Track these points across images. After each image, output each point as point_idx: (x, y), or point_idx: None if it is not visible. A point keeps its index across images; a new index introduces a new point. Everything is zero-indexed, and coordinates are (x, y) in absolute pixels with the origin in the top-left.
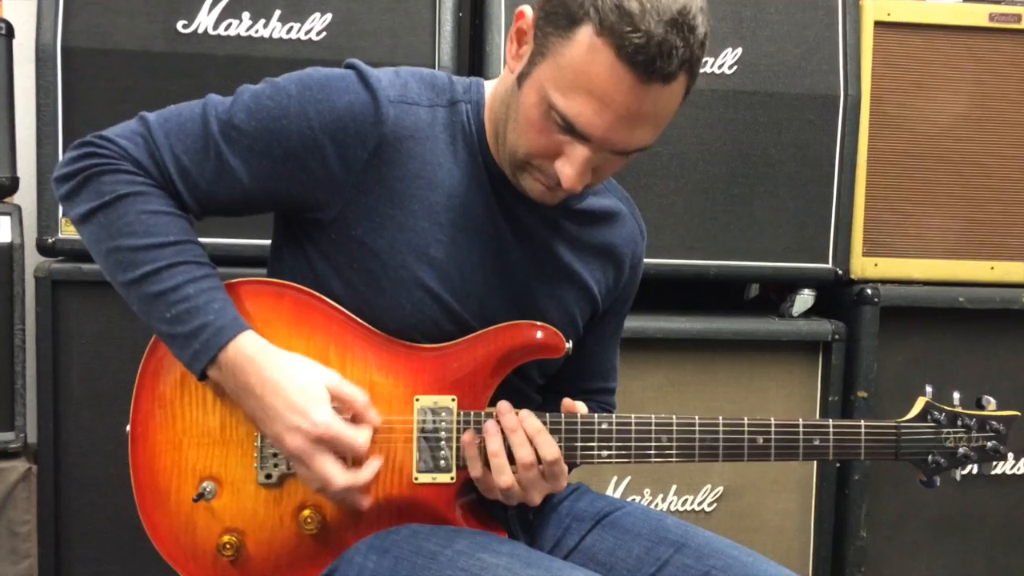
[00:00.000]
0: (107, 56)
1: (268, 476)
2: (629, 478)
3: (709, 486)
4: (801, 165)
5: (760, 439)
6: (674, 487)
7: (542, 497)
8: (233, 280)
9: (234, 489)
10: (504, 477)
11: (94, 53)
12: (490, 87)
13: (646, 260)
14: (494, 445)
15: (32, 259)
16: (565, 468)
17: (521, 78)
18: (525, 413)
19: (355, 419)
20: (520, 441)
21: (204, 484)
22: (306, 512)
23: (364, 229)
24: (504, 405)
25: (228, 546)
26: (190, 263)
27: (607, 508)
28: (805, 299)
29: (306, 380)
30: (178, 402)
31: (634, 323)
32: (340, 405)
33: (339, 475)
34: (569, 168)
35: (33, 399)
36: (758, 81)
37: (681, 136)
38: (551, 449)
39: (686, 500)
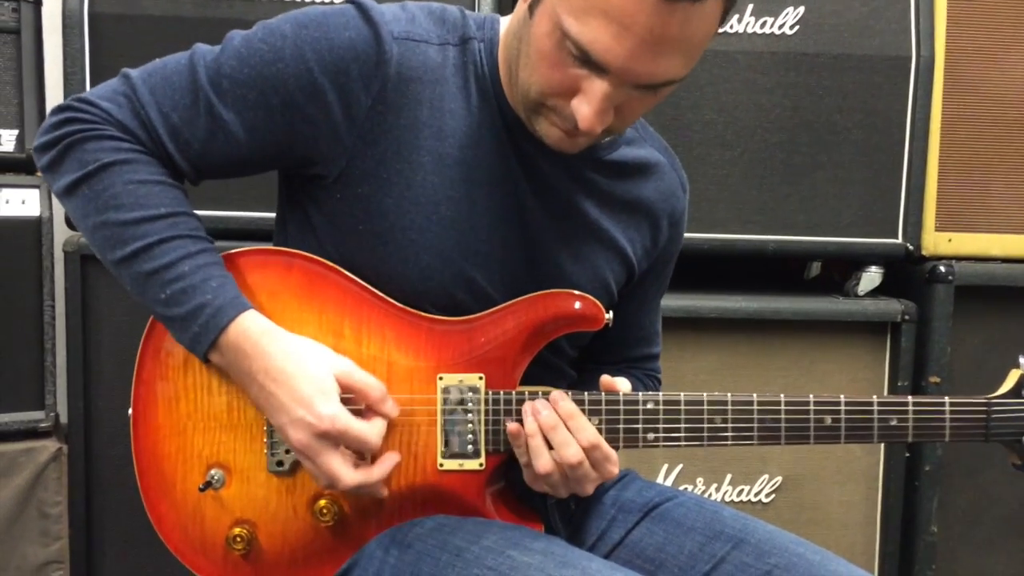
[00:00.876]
0: (135, 22)
1: (279, 463)
2: (680, 466)
3: (767, 476)
4: (868, 132)
5: (828, 419)
6: (729, 476)
7: (595, 487)
8: (236, 250)
9: (243, 477)
10: (542, 461)
11: (122, 19)
12: (506, 23)
13: (699, 235)
14: (531, 427)
15: (61, 234)
16: (611, 454)
17: (533, 6)
18: (557, 395)
19: (369, 411)
20: (562, 440)
21: (211, 472)
22: (322, 502)
23: (370, 187)
24: (540, 403)
25: (239, 539)
26: (184, 237)
27: (657, 498)
28: (872, 277)
29: (313, 368)
30: (181, 383)
31: (686, 302)
32: (352, 396)
33: (347, 473)
34: (586, 106)
35: (63, 377)
36: (822, 42)
37: (737, 102)
38: (587, 433)
39: (742, 490)
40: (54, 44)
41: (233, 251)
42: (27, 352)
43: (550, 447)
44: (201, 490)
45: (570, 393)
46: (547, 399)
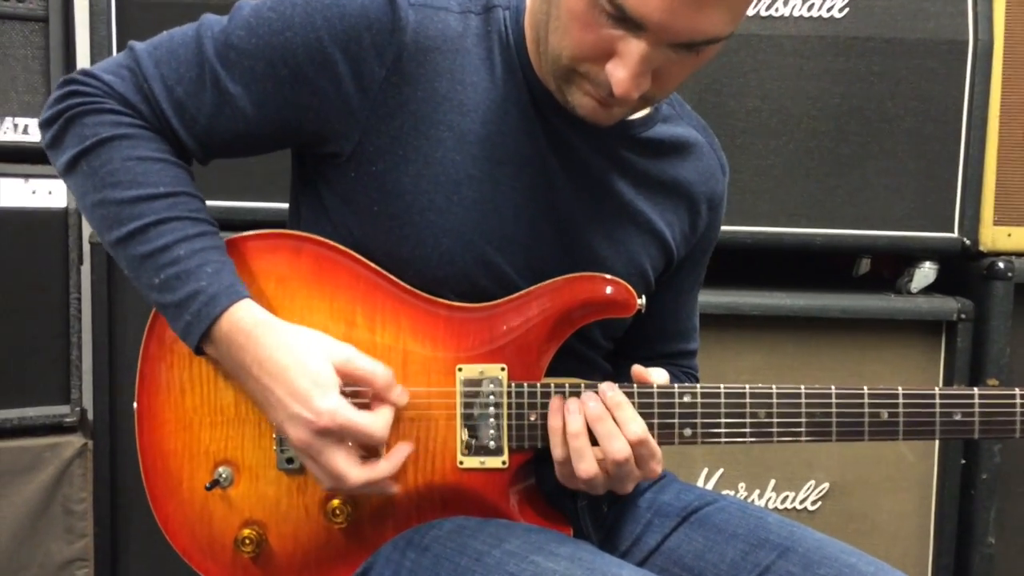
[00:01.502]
0: (163, 9)
1: (290, 461)
2: (721, 471)
3: (813, 482)
4: (922, 120)
5: (884, 413)
6: (773, 482)
7: (634, 485)
8: (241, 234)
9: (252, 475)
10: (585, 464)
11: (149, 6)
12: None
13: (742, 228)
14: (574, 424)
15: (88, 225)
16: (657, 451)
17: None
18: (606, 385)
19: (375, 400)
20: (608, 432)
21: (219, 469)
22: (335, 503)
23: (386, 164)
24: (588, 393)
25: (248, 541)
26: (183, 219)
27: (696, 502)
28: (926, 273)
29: (310, 359)
30: (187, 374)
31: (728, 298)
32: (355, 386)
33: (352, 471)
34: (622, 70)
35: (89, 371)
36: (872, 25)
37: (783, 89)
38: (635, 426)
39: (786, 497)
40: (82, 39)
41: (238, 235)
42: (52, 345)
43: (593, 442)
44: (208, 488)
45: (599, 385)
46: (595, 392)
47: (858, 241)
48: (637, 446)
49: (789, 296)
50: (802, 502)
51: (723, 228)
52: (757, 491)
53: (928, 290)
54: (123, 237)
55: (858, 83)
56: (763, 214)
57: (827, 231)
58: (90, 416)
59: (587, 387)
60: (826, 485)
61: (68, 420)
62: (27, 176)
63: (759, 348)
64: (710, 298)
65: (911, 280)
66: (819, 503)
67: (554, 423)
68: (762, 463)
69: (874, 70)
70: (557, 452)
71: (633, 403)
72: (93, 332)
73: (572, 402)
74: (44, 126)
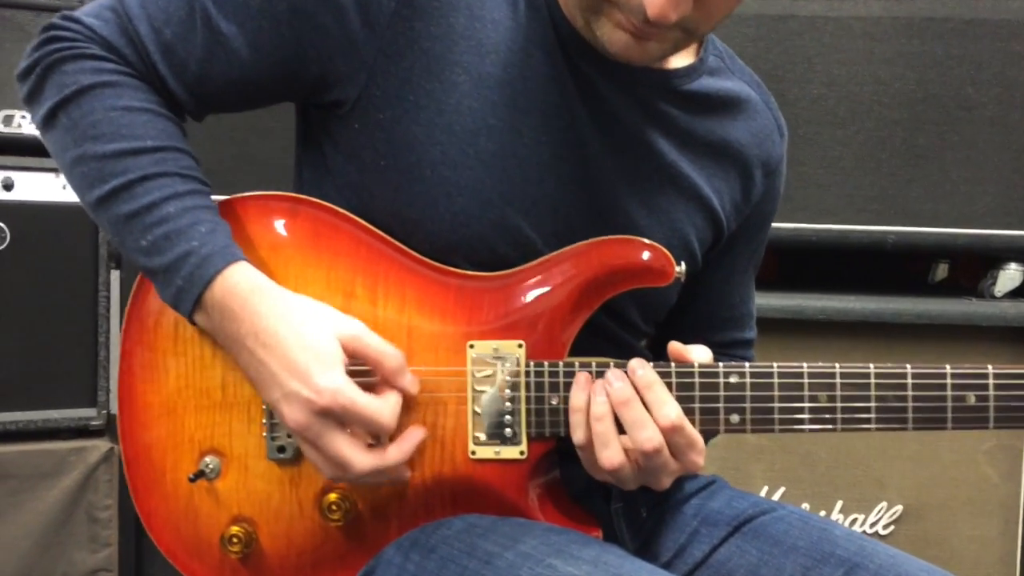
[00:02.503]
0: None
1: (281, 449)
2: (783, 489)
3: (884, 504)
4: (1006, 108)
5: (972, 396)
6: (840, 503)
7: (672, 480)
8: (232, 196)
9: (241, 466)
10: (609, 452)
11: None
12: None
13: (807, 225)
14: (598, 407)
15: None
16: (696, 439)
17: None
18: (636, 363)
19: (383, 385)
20: (636, 419)
21: (205, 459)
22: (332, 497)
23: (394, 112)
24: (615, 372)
25: (236, 539)
26: (172, 175)
27: (751, 511)
28: (1011, 275)
29: (313, 332)
30: (170, 353)
31: (791, 301)
32: (363, 366)
33: (357, 457)
34: None
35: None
36: (950, 4)
37: (851, 74)
38: (668, 409)
39: (855, 520)
40: None
41: (228, 197)
42: (79, 345)
43: (621, 429)
44: (191, 480)
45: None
46: (624, 370)
47: (935, 240)
48: (670, 434)
49: (859, 300)
50: (872, 526)
51: (786, 225)
52: (823, 513)
53: (1013, 294)
54: (105, 195)
55: (934, 68)
56: (829, 210)
57: (900, 229)
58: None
59: (616, 366)
60: (899, 508)
61: (94, 423)
62: (56, 170)
63: (825, 356)
64: (771, 301)
65: (995, 283)
66: (891, 527)
67: (575, 400)
68: (828, 482)
69: (952, 53)
70: (578, 435)
71: (670, 384)
72: (122, 332)
73: (597, 383)
74: (21, 78)
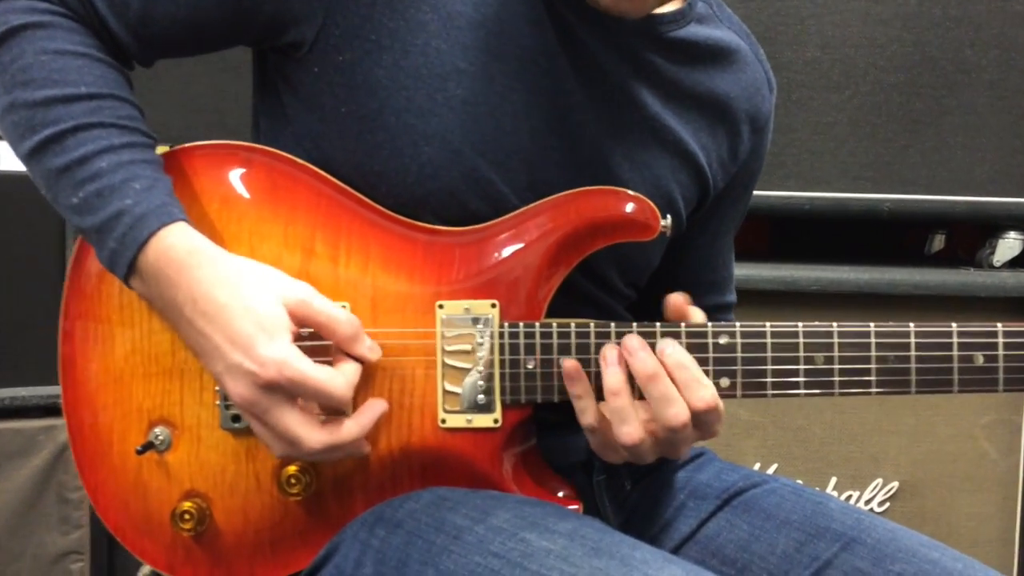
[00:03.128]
0: None
1: (236, 418)
2: (775, 466)
3: (880, 480)
4: (1006, 71)
5: (980, 357)
6: (834, 480)
7: (690, 447)
8: (182, 145)
9: (193, 437)
10: (628, 428)
11: None
12: None
13: (799, 193)
14: (613, 379)
15: None
16: (723, 412)
17: None
18: (668, 345)
19: (338, 354)
20: (663, 394)
21: (154, 430)
22: (291, 469)
23: (354, 53)
24: (634, 341)
25: (188, 516)
26: (108, 126)
27: (742, 483)
28: (1011, 244)
29: (255, 297)
30: (116, 316)
31: (783, 272)
32: (316, 338)
33: (308, 433)
34: None
35: None
36: None
37: (846, 36)
38: (703, 392)
39: (850, 497)
40: None
41: (177, 147)
42: (47, 321)
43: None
44: (139, 452)
45: (613, 325)
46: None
47: (931, 208)
48: (704, 414)
49: (853, 270)
50: (867, 503)
51: (778, 194)
52: (816, 489)
53: (1013, 264)
54: (36, 147)
55: (933, 29)
56: (823, 178)
57: (896, 196)
58: None
59: (618, 329)
60: (895, 484)
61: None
62: None
63: None
64: (763, 272)
65: (993, 252)
66: (887, 504)
67: (578, 387)
68: (822, 458)
69: (951, 14)
70: (587, 419)
71: (654, 345)
72: None
73: (608, 350)
74: None
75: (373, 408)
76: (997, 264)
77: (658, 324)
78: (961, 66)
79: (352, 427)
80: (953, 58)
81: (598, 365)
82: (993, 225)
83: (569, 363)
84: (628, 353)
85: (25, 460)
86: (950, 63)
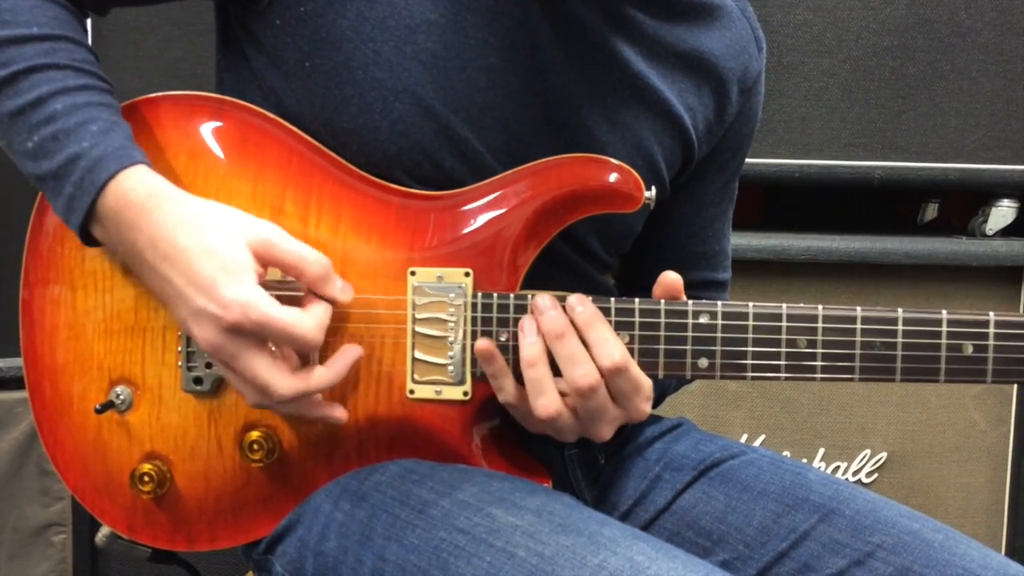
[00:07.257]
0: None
1: (197, 381)
2: (763, 437)
3: (868, 451)
4: (1002, 34)
5: (969, 346)
6: (822, 451)
7: (613, 430)
8: (145, 96)
9: (154, 397)
10: (544, 400)
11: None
12: None
13: (790, 161)
14: (530, 350)
15: None
16: (643, 383)
17: None
18: (575, 299)
19: (308, 296)
20: (571, 353)
21: (116, 389)
22: (254, 434)
23: (317, 3)
24: (544, 300)
25: (148, 478)
26: (63, 68)
27: (719, 454)
28: (1004, 213)
29: (218, 239)
30: (78, 270)
31: (773, 241)
32: (285, 279)
33: (278, 379)
34: None
35: None
36: None
37: None
38: (610, 349)
39: (837, 468)
40: None
41: (139, 98)
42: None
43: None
44: (98, 411)
45: (591, 298)
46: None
47: (924, 175)
48: (612, 376)
49: (843, 239)
50: (855, 474)
51: (767, 161)
52: (804, 461)
53: (1006, 232)
54: None
55: None
56: (814, 145)
57: (888, 164)
58: None
59: (597, 305)
60: (883, 455)
61: None
62: None
63: (809, 298)
64: (752, 240)
65: (986, 220)
66: (875, 475)
67: (493, 365)
68: (810, 429)
69: None
70: (505, 396)
71: (632, 323)
72: None
73: (526, 320)
74: None
75: (347, 354)
76: (990, 232)
77: (636, 300)
78: (955, 29)
79: (324, 374)
80: (947, 21)
81: None
82: (986, 192)
83: (481, 345)
84: (538, 312)
85: (4, 432)
86: (944, 26)
